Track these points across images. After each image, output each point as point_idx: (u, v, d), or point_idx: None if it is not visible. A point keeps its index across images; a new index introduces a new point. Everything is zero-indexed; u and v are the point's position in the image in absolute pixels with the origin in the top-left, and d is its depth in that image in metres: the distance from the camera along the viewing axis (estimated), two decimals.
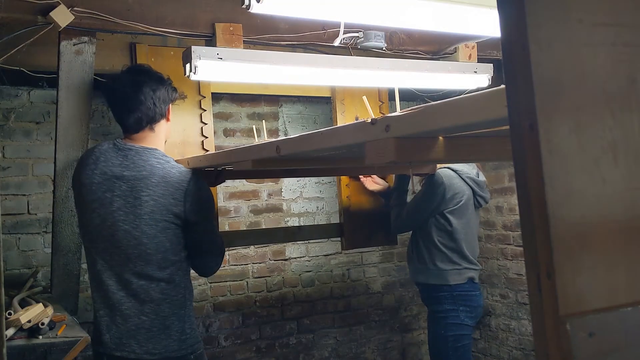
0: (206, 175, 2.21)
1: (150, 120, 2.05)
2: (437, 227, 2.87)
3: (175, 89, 2.17)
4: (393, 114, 1.09)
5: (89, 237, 2.04)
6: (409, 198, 2.98)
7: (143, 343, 1.95)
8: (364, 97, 1.33)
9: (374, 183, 2.96)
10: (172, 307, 1.99)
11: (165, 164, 2.02)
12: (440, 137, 1.08)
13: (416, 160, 1.15)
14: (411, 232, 3.03)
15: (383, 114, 2.96)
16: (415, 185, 3.00)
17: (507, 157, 0.91)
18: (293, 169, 2.24)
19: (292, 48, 2.60)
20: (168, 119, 2.14)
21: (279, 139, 1.61)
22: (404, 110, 1.09)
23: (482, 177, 2.97)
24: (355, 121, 1.19)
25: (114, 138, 2.20)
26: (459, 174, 2.87)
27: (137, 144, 2.07)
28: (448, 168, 2.87)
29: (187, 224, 2.02)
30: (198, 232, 2.05)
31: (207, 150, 2.62)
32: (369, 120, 1.11)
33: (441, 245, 2.86)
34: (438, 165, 2.75)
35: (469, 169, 2.92)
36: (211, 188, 2.19)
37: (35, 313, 1.94)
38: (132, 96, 2.03)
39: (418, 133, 1.04)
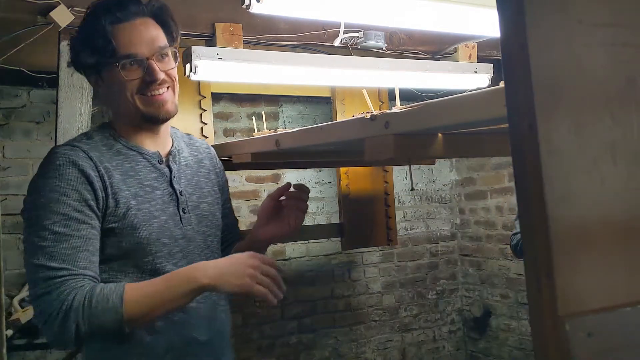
0: None
1: None
2: None
3: None
4: (393, 111, 1.09)
5: None
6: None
7: None
8: (364, 90, 1.33)
9: None
10: None
11: None
12: (439, 134, 1.08)
13: (415, 157, 1.15)
14: None
15: None
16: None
17: (506, 153, 0.91)
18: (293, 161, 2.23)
19: (292, 48, 2.60)
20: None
21: (278, 132, 1.61)
22: (404, 107, 1.09)
23: None
24: (358, 115, 1.19)
25: None
26: None
27: None
28: None
29: None
30: None
31: None
32: (369, 117, 1.11)
33: None
34: None
35: None
36: None
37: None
38: None
39: (417, 130, 1.04)
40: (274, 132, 1.67)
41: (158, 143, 1.41)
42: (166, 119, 1.38)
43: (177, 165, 1.42)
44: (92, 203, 1.25)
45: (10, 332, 1.86)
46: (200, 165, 1.49)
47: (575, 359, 0.55)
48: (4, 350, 0.87)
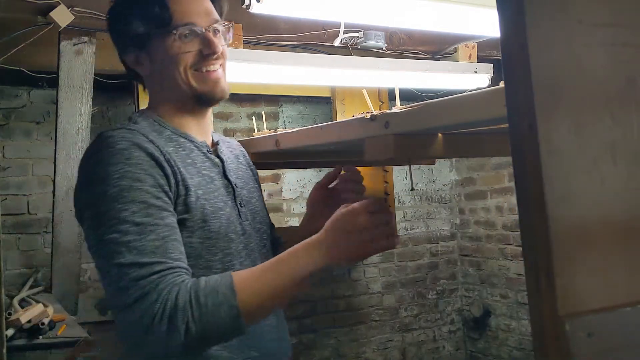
0: None
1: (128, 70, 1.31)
2: None
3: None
4: (393, 111, 1.09)
5: None
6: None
7: None
8: (364, 90, 1.33)
9: None
10: None
11: None
12: (439, 134, 1.08)
13: (415, 157, 1.15)
14: None
15: None
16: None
17: (506, 153, 0.91)
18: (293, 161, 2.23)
19: (292, 48, 2.60)
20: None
21: (278, 132, 1.61)
22: (404, 107, 1.09)
23: None
24: (358, 115, 1.19)
25: None
26: None
27: None
28: None
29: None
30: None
31: None
32: (369, 117, 1.11)
33: None
34: None
35: None
36: None
37: (35, 313, 1.94)
38: None
39: (417, 130, 1.04)
40: (274, 132, 1.67)
41: (203, 131, 1.26)
42: (221, 99, 1.22)
43: (225, 156, 1.26)
44: (167, 189, 1.06)
45: (10, 332, 1.86)
46: (238, 161, 1.36)
47: (575, 359, 0.55)
48: (4, 350, 0.87)
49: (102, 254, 1.02)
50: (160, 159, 1.08)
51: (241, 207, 1.22)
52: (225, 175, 1.22)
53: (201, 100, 1.21)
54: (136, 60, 1.22)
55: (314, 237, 1.06)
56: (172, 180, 1.08)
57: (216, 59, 1.19)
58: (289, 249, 1.06)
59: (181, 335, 0.95)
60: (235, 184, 1.24)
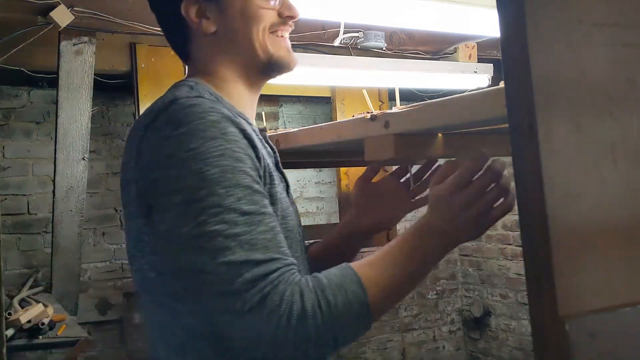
0: None
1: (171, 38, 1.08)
2: None
3: None
4: (393, 111, 1.09)
5: None
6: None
7: None
8: (364, 90, 1.33)
9: None
10: None
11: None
12: (439, 134, 1.08)
13: (415, 157, 1.15)
14: None
15: None
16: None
17: (506, 153, 0.91)
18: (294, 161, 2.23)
19: (292, 48, 2.60)
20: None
21: (278, 132, 1.61)
22: (404, 107, 1.09)
23: None
24: (358, 115, 1.19)
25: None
26: None
27: None
28: None
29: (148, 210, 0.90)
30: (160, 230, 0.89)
31: None
32: (369, 117, 1.11)
33: None
34: None
35: None
36: None
37: (35, 313, 1.94)
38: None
39: (417, 130, 1.04)
40: (274, 132, 1.67)
41: (254, 113, 1.08)
42: (291, 70, 1.08)
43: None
44: (260, 174, 0.90)
45: (10, 332, 1.86)
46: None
47: (575, 359, 0.55)
48: (4, 350, 0.87)
49: (201, 249, 0.81)
50: (251, 137, 0.89)
51: (292, 204, 1.05)
52: (278, 167, 1.04)
53: (274, 68, 1.05)
54: (200, 11, 0.99)
55: (422, 224, 0.92)
56: (261, 165, 0.90)
57: (290, 25, 1.05)
58: (399, 242, 0.93)
59: (312, 340, 0.81)
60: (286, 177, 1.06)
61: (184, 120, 0.85)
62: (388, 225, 1.26)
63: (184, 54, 1.06)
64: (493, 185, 0.88)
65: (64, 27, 2.09)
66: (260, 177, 0.89)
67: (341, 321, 0.82)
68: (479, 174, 0.88)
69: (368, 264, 0.91)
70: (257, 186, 0.86)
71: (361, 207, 1.22)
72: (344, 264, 0.89)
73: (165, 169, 0.85)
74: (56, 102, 2.31)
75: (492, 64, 2.87)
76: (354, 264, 0.90)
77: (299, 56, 2.51)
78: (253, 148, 0.89)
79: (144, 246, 0.90)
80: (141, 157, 0.88)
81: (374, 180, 1.25)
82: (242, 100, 1.04)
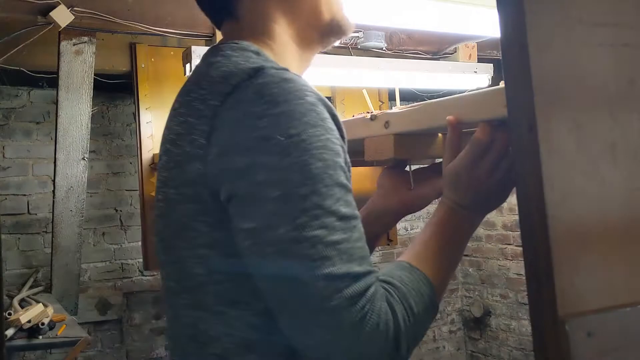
0: None
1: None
2: None
3: None
4: (393, 111, 1.09)
5: None
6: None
7: None
8: (364, 90, 1.33)
9: None
10: None
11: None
12: (439, 134, 1.08)
13: (415, 157, 1.15)
14: None
15: None
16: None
17: None
18: None
19: None
20: None
21: None
22: (404, 107, 1.09)
23: None
24: (358, 115, 1.19)
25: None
26: None
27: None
28: None
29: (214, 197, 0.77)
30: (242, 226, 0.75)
31: None
32: (369, 117, 1.11)
33: None
34: None
35: None
36: None
37: (35, 313, 1.95)
38: None
39: (417, 130, 1.04)
40: None
41: None
42: (347, 36, 1.00)
43: None
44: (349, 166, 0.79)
45: (10, 332, 1.86)
46: None
47: (575, 359, 0.55)
48: (4, 351, 0.87)
49: (298, 257, 0.70)
50: (341, 124, 0.78)
51: None
52: None
53: (335, 30, 0.95)
54: None
55: (448, 206, 0.88)
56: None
57: None
58: (436, 231, 0.89)
59: (403, 350, 0.74)
60: None
61: (281, 99, 0.72)
62: (419, 206, 1.19)
63: (226, 11, 0.91)
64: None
65: (64, 27, 2.09)
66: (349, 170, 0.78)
67: (424, 326, 0.79)
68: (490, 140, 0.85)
69: (423, 259, 0.86)
70: (349, 184, 0.76)
71: (388, 189, 1.17)
72: (404, 263, 0.84)
73: (260, 153, 0.71)
74: (56, 102, 2.31)
75: (492, 64, 2.87)
76: (412, 261, 0.85)
77: None
78: (343, 138, 0.77)
79: (195, 236, 0.77)
80: (218, 132, 0.74)
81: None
82: (299, 72, 0.90)
